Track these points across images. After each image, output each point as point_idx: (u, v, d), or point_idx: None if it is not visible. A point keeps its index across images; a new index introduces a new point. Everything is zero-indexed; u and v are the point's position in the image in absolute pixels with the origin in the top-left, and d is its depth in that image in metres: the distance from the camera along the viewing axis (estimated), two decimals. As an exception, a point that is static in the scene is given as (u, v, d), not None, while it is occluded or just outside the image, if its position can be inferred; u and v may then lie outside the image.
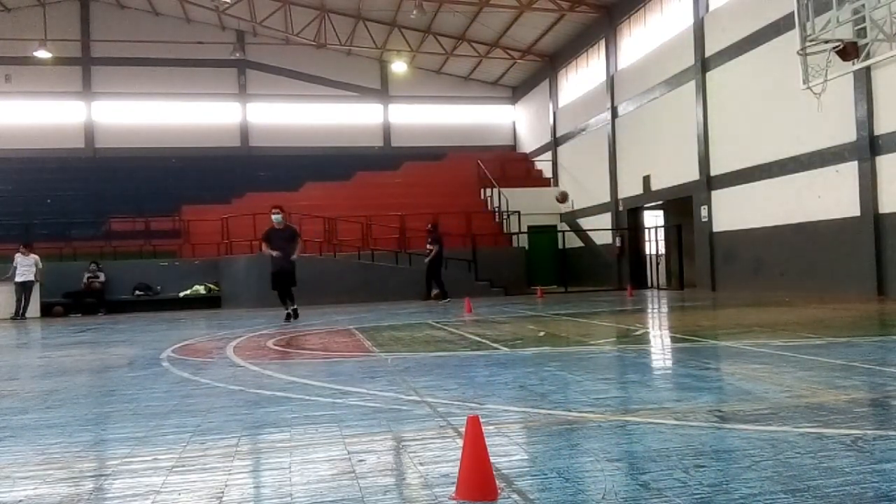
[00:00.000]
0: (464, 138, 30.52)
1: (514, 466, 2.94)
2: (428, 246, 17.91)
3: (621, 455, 3.02)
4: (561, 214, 26.24)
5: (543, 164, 28.10)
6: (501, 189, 24.52)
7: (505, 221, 24.03)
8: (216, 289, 19.94)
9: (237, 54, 28.67)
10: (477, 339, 8.34)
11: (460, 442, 2.92)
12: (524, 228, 23.46)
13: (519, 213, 23.34)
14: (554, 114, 27.20)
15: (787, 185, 14.98)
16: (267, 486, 2.84)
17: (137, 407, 4.67)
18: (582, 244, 24.63)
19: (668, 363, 6.24)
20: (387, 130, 30.70)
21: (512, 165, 28.58)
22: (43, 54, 25.86)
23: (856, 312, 10.08)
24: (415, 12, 22.75)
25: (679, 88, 18.91)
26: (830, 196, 13.93)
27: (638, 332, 8.84)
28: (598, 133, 23.50)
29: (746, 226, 16.15)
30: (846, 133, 13.46)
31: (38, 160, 26.03)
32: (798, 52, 11.62)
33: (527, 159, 29.78)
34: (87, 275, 18.99)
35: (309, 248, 20.95)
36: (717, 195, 17.54)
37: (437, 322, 10.99)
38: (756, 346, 6.61)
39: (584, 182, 24.78)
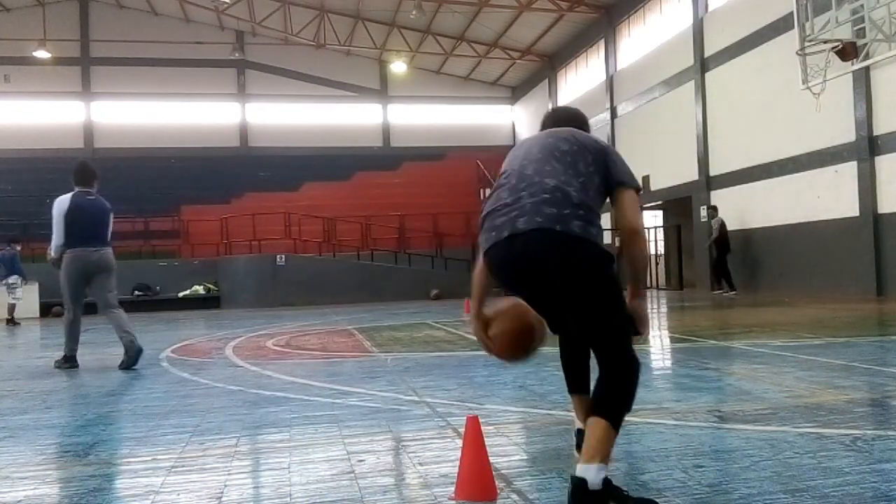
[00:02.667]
0: (463, 138, 30.49)
1: (514, 466, 2.94)
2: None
3: (620, 455, 3.02)
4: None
5: (543, 165, 28.05)
6: (501, 189, 24.48)
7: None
8: (215, 289, 19.94)
9: (236, 54, 28.64)
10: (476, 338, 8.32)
11: (460, 442, 2.92)
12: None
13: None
14: (553, 114, 27.15)
15: (786, 186, 14.98)
16: (266, 486, 2.84)
17: (136, 407, 4.67)
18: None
19: (668, 363, 6.24)
20: (386, 130, 30.68)
21: (511, 165, 28.52)
22: (42, 54, 25.82)
23: (855, 312, 10.08)
24: (414, 12, 22.73)
25: (678, 88, 18.91)
26: (830, 196, 13.94)
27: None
28: (597, 133, 23.07)
29: (746, 226, 16.16)
30: (845, 133, 13.46)
31: (37, 160, 25.98)
32: (797, 53, 11.63)
33: (526, 159, 29.72)
34: None
35: (308, 248, 21.04)
36: (716, 195, 17.53)
37: (437, 322, 10.99)
38: (755, 346, 6.61)
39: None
